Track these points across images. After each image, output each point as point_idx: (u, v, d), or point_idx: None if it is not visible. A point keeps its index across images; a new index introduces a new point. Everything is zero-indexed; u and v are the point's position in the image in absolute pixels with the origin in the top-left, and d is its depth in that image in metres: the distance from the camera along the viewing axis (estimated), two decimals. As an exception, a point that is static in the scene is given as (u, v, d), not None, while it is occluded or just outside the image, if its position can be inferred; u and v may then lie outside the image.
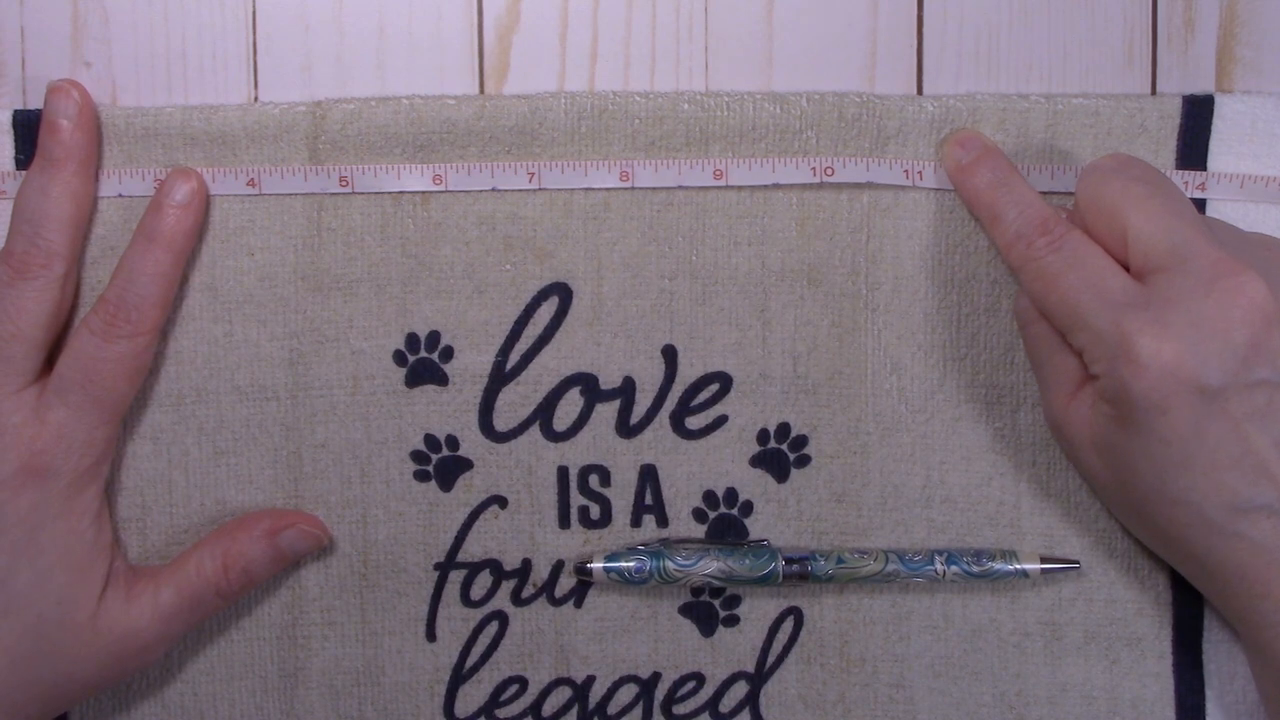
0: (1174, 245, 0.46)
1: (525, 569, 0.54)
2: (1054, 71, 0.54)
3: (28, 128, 0.52)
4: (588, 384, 0.54)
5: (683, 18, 0.54)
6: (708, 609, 0.55)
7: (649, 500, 0.54)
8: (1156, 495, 0.47)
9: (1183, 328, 0.45)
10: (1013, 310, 0.52)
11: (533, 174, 0.53)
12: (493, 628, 0.54)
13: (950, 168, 0.53)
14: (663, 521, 0.54)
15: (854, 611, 0.55)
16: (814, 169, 0.53)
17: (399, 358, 0.53)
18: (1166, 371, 0.45)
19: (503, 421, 0.54)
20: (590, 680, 0.55)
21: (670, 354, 0.54)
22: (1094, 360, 0.47)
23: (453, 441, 0.54)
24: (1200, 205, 0.53)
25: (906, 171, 0.53)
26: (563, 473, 0.54)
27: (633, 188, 0.53)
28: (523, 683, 0.55)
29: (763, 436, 0.54)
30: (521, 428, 0.54)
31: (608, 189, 0.53)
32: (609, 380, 0.54)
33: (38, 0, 0.53)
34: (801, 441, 0.54)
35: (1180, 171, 0.53)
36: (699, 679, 0.55)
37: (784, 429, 0.54)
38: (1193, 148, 0.53)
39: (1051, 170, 0.53)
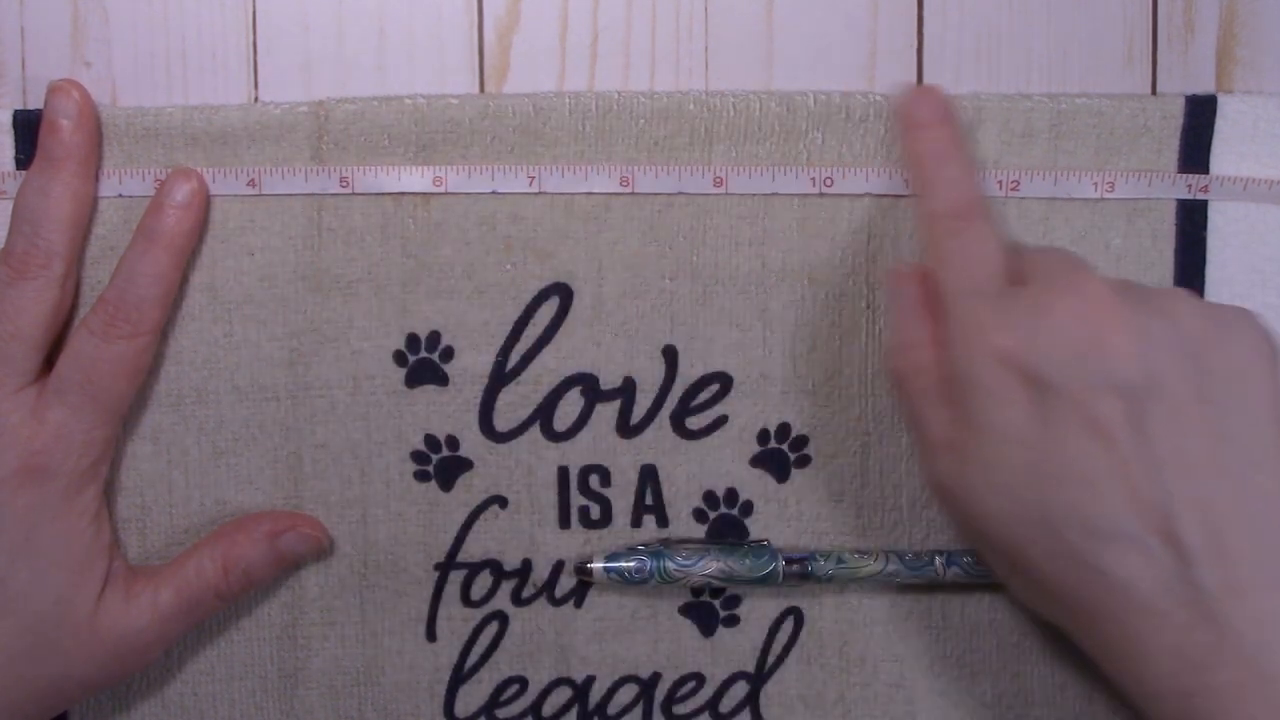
0: (1049, 267, 0.46)
1: (525, 569, 0.54)
2: (1054, 71, 0.54)
3: (28, 128, 0.52)
4: (588, 384, 0.54)
5: (683, 18, 0.54)
6: (708, 609, 0.55)
7: (649, 500, 0.54)
8: (1013, 515, 0.44)
9: (1021, 316, 0.44)
10: (888, 372, 0.51)
11: (533, 177, 0.53)
12: (493, 628, 0.54)
13: (903, 117, 0.51)
14: (663, 522, 0.54)
15: (854, 611, 0.55)
16: (813, 179, 0.53)
17: (399, 358, 0.53)
18: (1001, 357, 0.44)
19: (503, 421, 0.54)
20: (590, 680, 0.55)
21: (671, 354, 0.54)
22: (947, 344, 0.46)
23: (453, 441, 0.54)
24: (1202, 207, 0.53)
25: (907, 180, 0.53)
26: (563, 473, 0.54)
27: (633, 193, 0.53)
28: (523, 683, 0.55)
29: (763, 436, 0.54)
30: (522, 428, 0.54)
31: (608, 193, 0.53)
32: (609, 380, 0.54)
33: (38, 0, 0.53)
34: (802, 441, 0.54)
35: (1184, 175, 0.53)
36: (699, 679, 0.55)
37: (784, 429, 0.54)
38: (1195, 148, 0.53)
39: (1055, 177, 0.53)
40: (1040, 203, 0.53)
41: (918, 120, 0.50)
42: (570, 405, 0.54)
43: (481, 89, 0.54)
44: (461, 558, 0.54)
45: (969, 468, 0.45)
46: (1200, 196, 0.53)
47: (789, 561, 0.53)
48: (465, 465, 0.54)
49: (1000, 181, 0.53)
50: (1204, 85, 0.54)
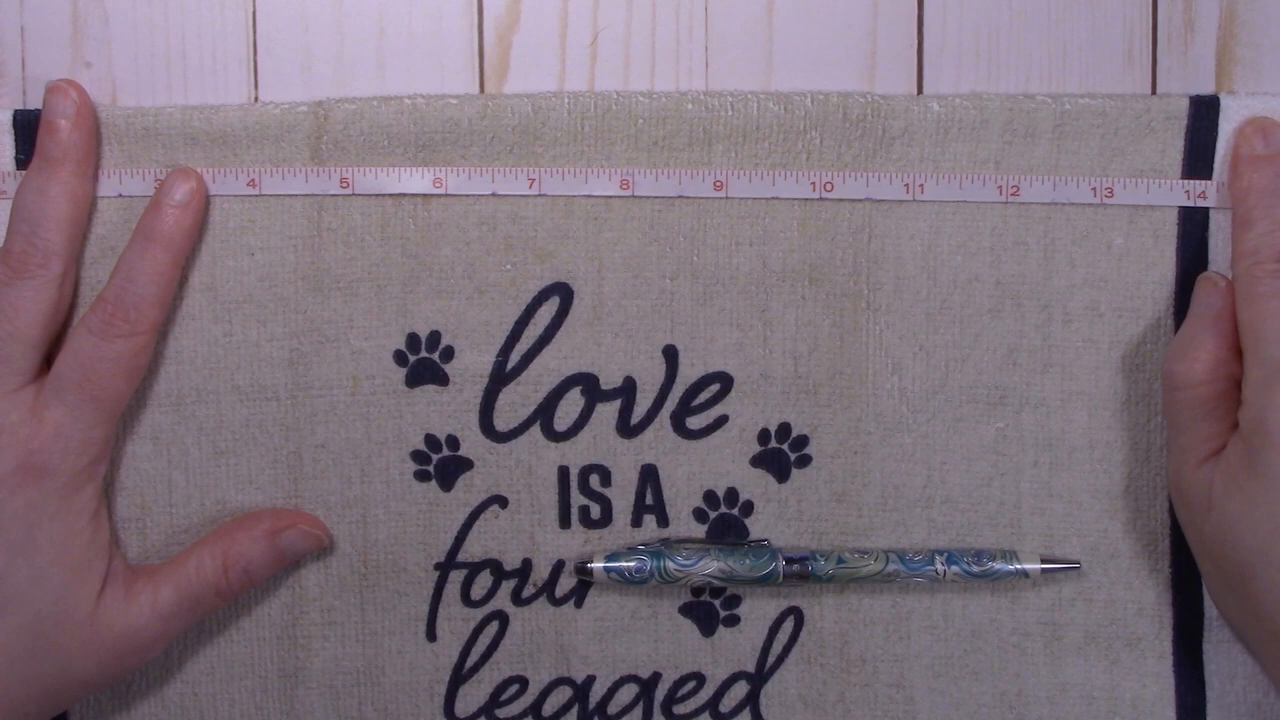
0: None
1: (525, 569, 0.54)
2: (1054, 71, 0.54)
3: (28, 128, 0.52)
4: (588, 384, 0.54)
5: (683, 18, 0.54)
6: (708, 609, 0.55)
7: (649, 500, 0.54)
8: (1257, 551, 0.47)
9: None
10: (1162, 370, 0.52)
11: (533, 180, 0.53)
12: (493, 628, 0.54)
13: (1238, 150, 0.52)
14: (663, 521, 0.54)
15: (854, 611, 0.55)
16: (813, 184, 0.53)
17: (399, 358, 0.53)
18: None
19: (503, 421, 0.54)
20: (590, 680, 0.55)
21: (671, 354, 0.54)
22: (1248, 383, 0.48)
23: (453, 441, 0.54)
24: (1203, 213, 0.53)
25: (907, 186, 0.53)
26: (563, 472, 0.54)
27: (633, 195, 0.53)
28: (523, 683, 0.55)
29: (763, 436, 0.54)
30: (522, 428, 0.54)
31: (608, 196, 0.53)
32: (610, 380, 0.54)
33: (38, 0, 0.53)
34: (802, 441, 0.54)
35: (1185, 181, 0.53)
36: (699, 679, 0.55)
37: (785, 429, 0.54)
38: (1200, 149, 0.53)
39: (1055, 182, 0.53)
40: (1042, 203, 0.53)
41: (1252, 153, 0.52)
42: (570, 405, 0.54)
43: (481, 89, 0.54)
44: (461, 557, 0.54)
45: (1232, 492, 0.48)
46: (1200, 203, 0.53)
47: (789, 561, 0.53)
48: (465, 465, 0.54)
49: (1000, 187, 0.53)
50: (1204, 85, 0.54)
